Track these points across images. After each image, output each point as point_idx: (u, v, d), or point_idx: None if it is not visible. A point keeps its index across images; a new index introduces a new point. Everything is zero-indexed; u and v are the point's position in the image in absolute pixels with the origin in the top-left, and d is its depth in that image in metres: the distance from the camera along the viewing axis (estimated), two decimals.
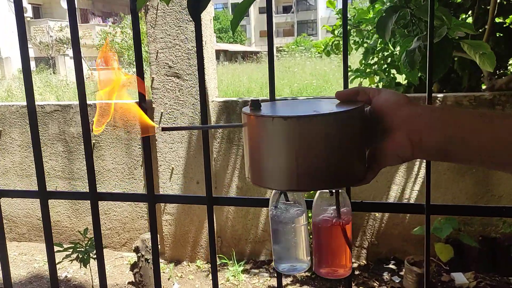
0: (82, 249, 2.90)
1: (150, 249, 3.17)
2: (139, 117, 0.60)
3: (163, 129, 0.61)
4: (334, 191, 0.66)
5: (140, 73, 0.93)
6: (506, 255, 2.98)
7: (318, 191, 0.68)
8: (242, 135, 0.61)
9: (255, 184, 0.59)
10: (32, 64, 23.46)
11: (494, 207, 0.88)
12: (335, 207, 0.65)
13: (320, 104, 0.61)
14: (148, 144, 0.89)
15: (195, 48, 3.58)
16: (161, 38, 3.35)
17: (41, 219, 4.01)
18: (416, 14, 1.17)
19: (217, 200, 0.93)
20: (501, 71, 3.50)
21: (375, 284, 3.10)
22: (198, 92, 3.39)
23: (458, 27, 1.14)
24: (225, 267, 3.45)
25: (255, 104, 0.58)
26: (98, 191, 0.96)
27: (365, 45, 3.99)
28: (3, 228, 1.08)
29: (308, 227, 0.71)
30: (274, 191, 0.68)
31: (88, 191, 0.97)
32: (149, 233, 3.63)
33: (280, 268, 0.72)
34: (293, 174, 0.54)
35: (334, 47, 4.04)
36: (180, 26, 3.29)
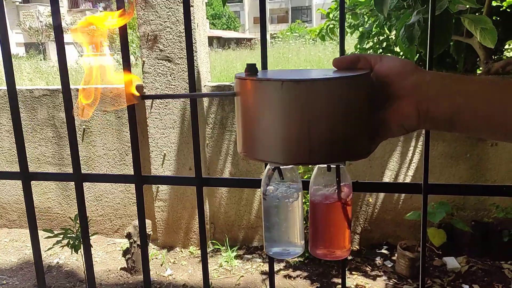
0: (73, 235, 2.87)
1: None
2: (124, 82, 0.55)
3: (142, 97, 0.56)
4: (334, 166, 0.61)
5: (126, 58, 0.88)
6: (498, 240, 2.99)
7: (317, 166, 0.63)
8: (235, 105, 0.55)
9: (255, 159, 0.53)
10: (22, 49, 23.07)
11: (492, 186, 0.85)
12: (334, 183, 0.61)
13: (322, 71, 0.55)
14: (134, 121, 0.85)
15: None
16: (152, 20, 3.28)
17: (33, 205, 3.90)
18: None
19: (207, 181, 0.89)
20: (498, 55, 3.47)
21: (367, 268, 3.10)
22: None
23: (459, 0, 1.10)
24: (218, 252, 3.44)
25: (252, 69, 0.51)
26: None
27: (361, 29, 3.94)
28: None
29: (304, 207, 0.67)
30: (267, 167, 0.63)
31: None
32: None
33: (272, 252, 0.66)
34: (304, 145, 0.48)
35: (329, 31, 3.98)
36: (171, 8, 3.21)
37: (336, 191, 0.61)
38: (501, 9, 3.44)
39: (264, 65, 0.80)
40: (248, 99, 0.51)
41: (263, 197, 0.63)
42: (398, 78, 0.52)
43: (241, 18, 47.99)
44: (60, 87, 3.76)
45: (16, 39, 23.99)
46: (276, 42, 20.28)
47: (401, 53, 3.52)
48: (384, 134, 0.54)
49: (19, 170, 0.96)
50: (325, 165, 0.61)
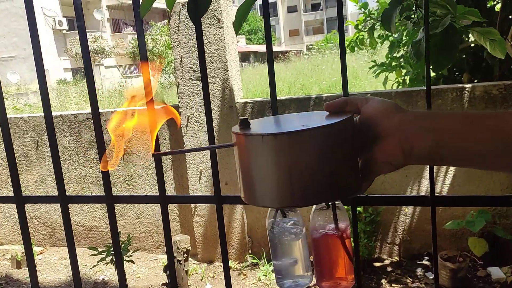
0: None
1: (181, 251, 3.24)
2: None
3: (153, 155, 0.63)
4: (330, 204, 0.66)
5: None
6: None
7: (314, 205, 0.68)
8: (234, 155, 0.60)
9: (250, 204, 0.58)
10: (69, 75, 24.32)
11: (490, 197, 0.86)
12: (332, 219, 0.65)
13: (310, 118, 0.61)
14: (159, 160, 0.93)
15: (218, 52, 3.61)
16: (185, 43, 3.42)
17: (79, 224, 4.12)
18: (421, 5, 1.13)
19: (224, 199, 0.96)
20: None
21: (408, 280, 3.04)
22: (222, 94, 3.43)
23: (463, 15, 1.11)
24: (256, 266, 3.48)
25: (244, 123, 0.57)
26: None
27: (391, 38, 3.92)
28: (29, 233, 1.14)
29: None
30: (270, 208, 0.68)
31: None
32: (180, 234, 3.68)
33: (283, 286, 0.72)
34: (287, 190, 0.53)
35: (358, 42, 3.99)
36: (202, 30, 3.34)
37: (334, 227, 0.65)
38: None
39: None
40: (240, 150, 0.56)
41: (268, 236, 0.68)
42: (381, 118, 0.55)
43: (277, 32, 48.39)
44: (102, 110, 3.95)
45: (63, 65, 25.36)
46: (312, 54, 20.29)
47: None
48: (374, 171, 0.58)
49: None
50: (322, 204, 0.65)
